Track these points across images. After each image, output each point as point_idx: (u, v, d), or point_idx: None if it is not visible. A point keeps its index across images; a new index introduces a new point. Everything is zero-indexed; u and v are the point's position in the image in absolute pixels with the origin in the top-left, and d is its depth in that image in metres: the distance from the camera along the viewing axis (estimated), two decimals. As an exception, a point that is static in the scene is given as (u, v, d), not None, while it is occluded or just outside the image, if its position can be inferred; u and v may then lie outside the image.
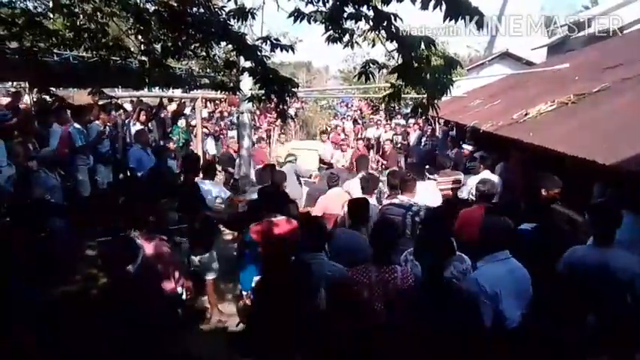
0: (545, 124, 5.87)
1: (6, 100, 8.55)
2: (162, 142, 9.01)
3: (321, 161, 10.84)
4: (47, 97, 7.00)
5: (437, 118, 12.25)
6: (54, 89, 6.25)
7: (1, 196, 5.04)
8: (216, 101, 12.63)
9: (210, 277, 4.82)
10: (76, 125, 6.73)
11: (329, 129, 14.65)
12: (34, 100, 7.78)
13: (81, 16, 4.16)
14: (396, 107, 16.69)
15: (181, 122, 10.40)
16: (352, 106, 21.89)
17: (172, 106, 10.67)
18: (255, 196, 5.34)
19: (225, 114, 13.42)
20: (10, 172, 5.38)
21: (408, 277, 2.99)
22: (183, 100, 11.25)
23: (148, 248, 3.40)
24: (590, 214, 3.34)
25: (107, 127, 7.58)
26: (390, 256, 3.08)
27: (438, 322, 2.38)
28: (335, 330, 2.69)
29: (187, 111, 11.53)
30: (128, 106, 9.34)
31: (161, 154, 7.15)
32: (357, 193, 5.36)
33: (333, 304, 2.85)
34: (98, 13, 4.12)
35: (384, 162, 11.09)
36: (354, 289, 2.86)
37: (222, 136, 12.51)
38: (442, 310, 2.41)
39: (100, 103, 7.70)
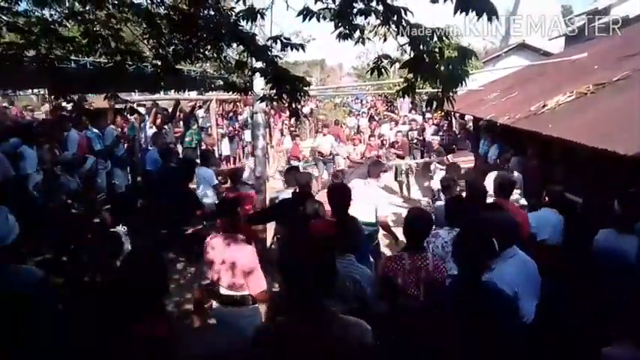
0: (564, 116, 5.74)
1: (46, 108, 8.77)
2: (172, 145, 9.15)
3: (320, 153, 11.04)
4: (65, 104, 7.16)
5: (453, 113, 12.12)
6: (72, 95, 6.36)
7: (30, 202, 5.16)
8: (229, 102, 12.68)
9: None
10: (94, 130, 6.86)
11: (328, 122, 14.85)
12: (53, 106, 7.95)
13: (95, 22, 4.22)
14: (410, 102, 16.59)
15: (195, 126, 10.47)
16: (367, 103, 21.80)
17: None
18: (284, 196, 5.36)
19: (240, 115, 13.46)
20: (38, 179, 5.51)
21: (439, 264, 3.16)
22: (197, 103, 11.35)
23: (222, 245, 3.38)
24: (620, 201, 3.35)
25: (125, 131, 7.71)
26: (421, 244, 3.21)
27: (473, 325, 2.32)
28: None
29: (201, 112, 11.61)
30: (143, 110, 9.47)
31: (166, 157, 7.14)
32: (358, 193, 5.37)
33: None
34: (112, 20, 4.17)
35: (399, 153, 11.11)
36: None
37: (236, 137, 12.57)
38: (479, 313, 2.35)
39: (116, 107, 7.84)
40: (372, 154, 10.98)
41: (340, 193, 3.90)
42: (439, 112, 13.05)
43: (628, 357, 2.02)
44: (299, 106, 3.66)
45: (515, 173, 5.86)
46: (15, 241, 2.25)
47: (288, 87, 3.29)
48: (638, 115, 4.43)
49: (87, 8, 4.16)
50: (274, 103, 3.80)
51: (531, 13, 11.31)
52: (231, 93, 4.06)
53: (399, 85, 9.82)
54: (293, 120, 13.65)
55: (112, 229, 3.10)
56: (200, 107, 11.65)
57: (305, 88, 3.31)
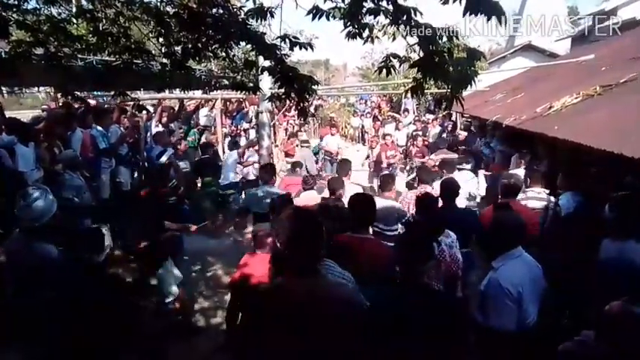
0: (570, 117, 5.72)
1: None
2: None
3: (328, 153, 11.29)
4: (72, 101, 7.18)
5: (458, 113, 12.10)
6: (79, 93, 6.40)
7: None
8: (233, 101, 12.68)
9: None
10: (99, 128, 6.88)
11: (336, 122, 14.94)
12: (60, 104, 7.97)
13: (104, 20, 4.23)
14: (417, 103, 16.56)
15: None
16: (372, 103, 21.77)
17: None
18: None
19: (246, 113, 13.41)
20: (37, 176, 5.51)
21: (454, 254, 3.35)
22: (200, 102, 11.39)
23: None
24: (611, 206, 3.28)
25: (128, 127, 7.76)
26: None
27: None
28: None
29: (205, 111, 11.63)
30: (151, 109, 9.50)
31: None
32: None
33: None
34: (120, 18, 4.18)
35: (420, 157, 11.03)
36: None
37: (238, 137, 12.55)
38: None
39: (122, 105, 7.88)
40: (390, 154, 10.51)
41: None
42: (443, 112, 13.05)
43: (588, 351, 2.07)
44: (306, 105, 3.67)
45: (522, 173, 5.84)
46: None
47: (297, 86, 3.30)
48: (647, 117, 4.41)
49: (96, 6, 4.18)
50: (280, 102, 3.81)
51: (537, 14, 11.32)
52: (238, 92, 4.07)
53: (404, 86, 9.81)
54: (298, 119, 13.69)
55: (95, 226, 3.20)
56: (203, 106, 11.67)
57: (313, 87, 3.31)
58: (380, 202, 4.96)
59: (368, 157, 11.54)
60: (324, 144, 11.43)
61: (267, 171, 5.91)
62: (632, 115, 4.72)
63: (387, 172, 7.89)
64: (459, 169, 6.41)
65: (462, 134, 10.89)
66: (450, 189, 4.52)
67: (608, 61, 7.91)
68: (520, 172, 5.91)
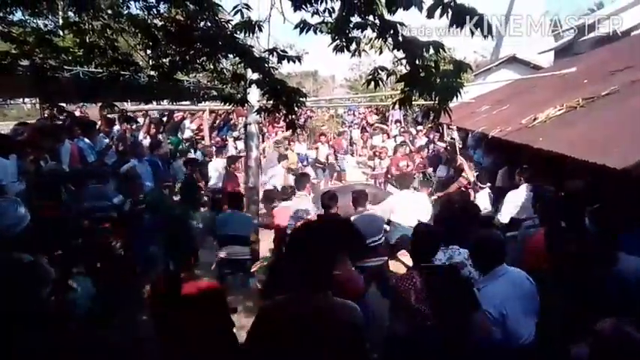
0: (555, 129, 5.82)
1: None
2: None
3: (318, 161, 11.62)
4: (57, 113, 7.11)
5: (446, 125, 12.20)
6: (65, 105, 6.34)
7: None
8: (220, 112, 12.65)
9: None
10: (86, 140, 6.80)
11: (326, 131, 15.17)
12: (46, 115, 7.88)
13: (90, 32, 4.22)
14: (404, 113, 16.69)
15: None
16: (360, 114, 21.84)
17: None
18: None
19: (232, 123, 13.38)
20: (19, 189, 5.41)
21: None
22: (184, 114, 11.40)
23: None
24: (591, 218, 3.27)
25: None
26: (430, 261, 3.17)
27: None
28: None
29: (187, 123, 11.61)
30: (141, 120, 9.46)
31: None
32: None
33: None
34: (107, 30, 4.18)
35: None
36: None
37: (224, 148, 12.51)
38: None
39: (109, 116, 7.81)
40: (402, 165, 10.03)
41: None
42: (429, 123, 13.14)
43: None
44: (295, 118, 3.68)
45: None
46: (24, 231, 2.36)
47: (285, 99, 3.31)
48: (628, 129, 4.50)
49: (82, 18, 4.16)
50: (268, 115, 3.82)
51: (522, 28, 11.52)
52: (226, 104, 4.08)
53: (392, 97, 9.87)
54: (286, 131, 13.72)
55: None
56: (186, 118, 11.65)
57: (301, 100, 3.33)
58: (357, 217, 4.98)
59: (374, 168, 11.60)
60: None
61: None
62: (614, 127, 4.82)
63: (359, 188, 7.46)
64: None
65: (440, 146, 11.08)
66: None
67: (589, 74, 8.08)
68: (522, 189, 5.67)
